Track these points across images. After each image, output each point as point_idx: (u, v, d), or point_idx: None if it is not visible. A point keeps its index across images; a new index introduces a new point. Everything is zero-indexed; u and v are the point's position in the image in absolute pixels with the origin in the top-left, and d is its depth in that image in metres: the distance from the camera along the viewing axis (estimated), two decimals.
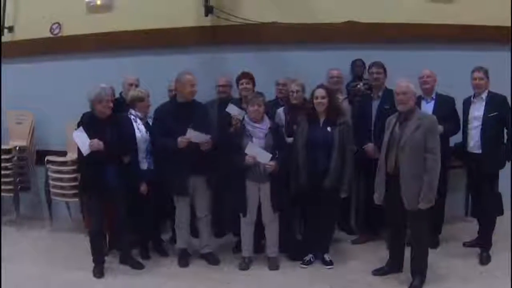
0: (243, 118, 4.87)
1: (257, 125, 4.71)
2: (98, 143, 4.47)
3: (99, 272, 4.77)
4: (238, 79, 5.40)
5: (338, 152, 4.68)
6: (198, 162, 4.70)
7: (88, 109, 4.63)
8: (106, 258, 4.94)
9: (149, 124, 4.97)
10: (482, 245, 5.04)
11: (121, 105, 5.09)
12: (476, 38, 5.80)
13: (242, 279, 4.77)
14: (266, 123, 4.76)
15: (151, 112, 5.07)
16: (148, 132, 4.90)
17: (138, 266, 4.94)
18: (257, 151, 4.60)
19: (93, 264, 4.81)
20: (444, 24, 5.85)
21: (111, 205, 4.77)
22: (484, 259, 4.92)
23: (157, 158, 4.94)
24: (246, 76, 5.34)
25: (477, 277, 4.66)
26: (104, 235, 5.02)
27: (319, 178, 4.68)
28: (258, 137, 4.70)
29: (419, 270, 4.43)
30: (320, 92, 4.74)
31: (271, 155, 4.60)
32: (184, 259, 5.04)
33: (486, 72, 4.88)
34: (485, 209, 4.99)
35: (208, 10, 5.65)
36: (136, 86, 5.29)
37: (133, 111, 4.94)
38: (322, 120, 4.76)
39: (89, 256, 4.83)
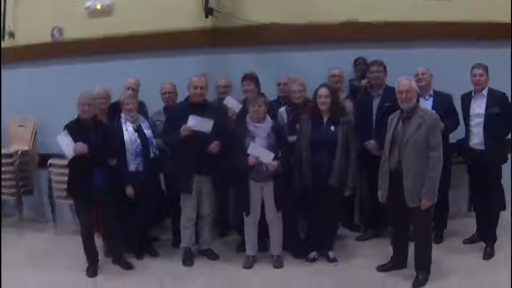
0: (244, 115, 5.02)
1: (258, 125, 4.84)
2: (82, 146, 4.61)
3: (91, 271, 4.94)
4: (242, 80, 5.56)
5: (341, 151, 4.82)
6: (203, 161, 4.88)
7: None
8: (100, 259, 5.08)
9: (140, 126, 5.07)
10: (486, 240, 5.17)
11: (117, 108, 5.23)
12: (476, 35, 5.94)
13: (246, 277, 4.90)
14: (268, 123, 4.88)
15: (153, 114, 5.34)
16: (137, 134, 5.01)
17: (129, 266, 5.09)
18: (259, 151, 4.74)
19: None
20: (443, 22, 5.96)
21: (100, 207, 4.94)
22: (488, 254, 5.06)
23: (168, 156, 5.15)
24: (249, 77, 5.50)
25: (481, 271, 4.77)
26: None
27: (323, 177, 4.81)
28: (260, 136, 4.83)
29: (423, 266, 4.54)
30: (324, 91, 4.87)
31: (273, 155, 4.73)
32: (189, 258, 5.18)
33: (486, 69, 5.00)
34: (489, 205, 5.12)
35: (208, 12, 5.75)
36: (133, 89, 5.42)
37: (122, 114, 5.09)
38: (325, 119, 4.89)
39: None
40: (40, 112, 6.26)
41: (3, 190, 6.20)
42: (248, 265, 5.07)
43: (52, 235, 6.11)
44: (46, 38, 6.28)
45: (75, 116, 4.83)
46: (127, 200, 5.00)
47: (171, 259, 5.30)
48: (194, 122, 4.81)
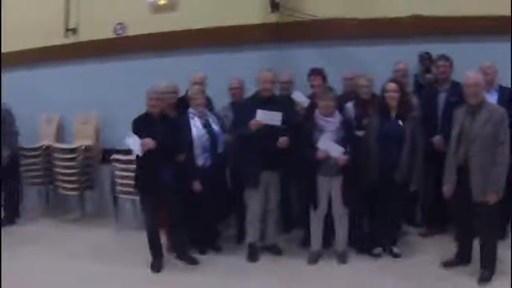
0: (313, 110, 5.04)
1: (328, 119, 4.86)
2: (149, 142, 4.64)
3: (156, 266, 4.99)
4: (308, 76, 5.58)
5: (409, 146, 4.82)
6: (271, 156, 4.91)
7: None
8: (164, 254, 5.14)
9: (208, 121, 5.12)
10: None
11: (185, 103, 5.28)
12: None
13: (311, 273, 4.92)
14: (337, 117, 4.90)
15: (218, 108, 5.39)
16: (205, 129, 5.06)
17: (193, 262, 5.13)
18: (329, 145, 4.75)
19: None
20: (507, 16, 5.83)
21: (166, 203, 4.95)
22: None
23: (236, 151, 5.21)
24: (316, 72, 5.51)
25: None
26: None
27: (390, 172, 4.82)
28: (330, 131, 4.83)
29: (488, 263, 4.50)
30: (392, 86, 4.87)
31: (343, 149, 4.75)
32: (254, 254, 5.20)
33: None
34: None
35: (274, 6, 5.79)
36: (200, 84, 5.43)
37: (190, 109, 5.14)
38: (393, 114, 4.89)
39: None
40: (105, 107, 6.38)
41: (65, 185, 6.31)
42: (313, 260, 5.09)
43: (114, 231, 6.20)
44: (109, 34, 6.39)
45: (141, 112, 4.90)
46: (194, 195, 5.03)
47: (235, 255, 5.32)
48: (263, 116, 4.85)
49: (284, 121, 4.91)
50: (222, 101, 5.61)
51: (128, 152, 5.88)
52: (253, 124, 4.86)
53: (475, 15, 5.84)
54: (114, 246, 5.69)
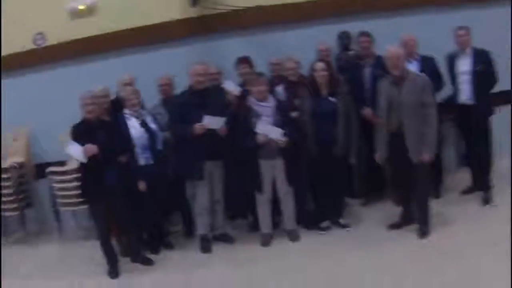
0: (245, 96, 5.20)
1: (263, 103, 5.00)
2: (91, 148, 4.60)
3: (113, 272, 4.97)
4: (236, 65, 5.69)
5: (343, 121, 5.06)
6: (214, 147, 5.00)
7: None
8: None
9: (144, 120, 5.12)
10: (483, 187, 5.55)
11: (117, 105, 5.27)
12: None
13: (267, 255, 5.05)
14: (272, 101, 5.06)
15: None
16: (143, 128, 5.06)
17: (149, 262, 5.15)
18: (268, 129, 4.90)
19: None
20: None
21: (114, 207, 4.89)
22: (486, 200, 5.47)
23: (175, 145, 5.23)
24: (244, 61, 5.63)
25: (481, 217, 5.19)
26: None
27: (329, 147, 5.04)
28: (266, 115, 4.98)
29: (425, 219, 4.94)
30: (320, 65, 5.09)
31: (282, 131, 4.90)
32: (207, 245, 5.27)
33: (468, 30, 5.36)
34: (481, 154, 5.51)
35: (194, 1, 5.82)
36: (131, 85, 5.41)
37: (126, 110, 5.12)
38: (324, 92, 5.10)
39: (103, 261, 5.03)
40: (33, 121, 6.17)
41: (3, 206, 6.08)
42: (266, 242, 5.23)
43: (60, 245, 6.03)
44: (29, 45, 6.17)
45: (71, 120, 4.83)
46: (140, 195, 5.03)
47: (188, 249, 5.38)
48: (209, 121, 4.91)
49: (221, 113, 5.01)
50: (152, 100, 5.59)
51: (63, 163, 5.83)
52: (197, 128, 4.91)
53: None
54: (64, 260, 5.55)
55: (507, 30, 6.16)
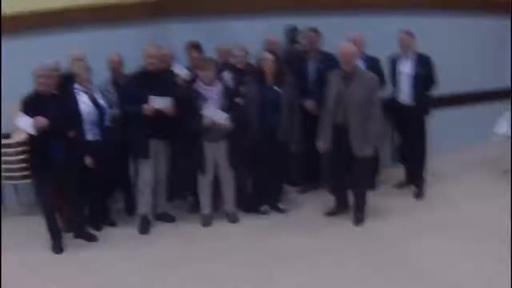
0: (193, 80, 5.36)
1: (210, 88, 5.16)
2: (41, 120, 4.59)
3: (58, 247, 4.95)
4: (186, 49, 5.81)
5: (287, 110, 5.30)
6: (161, 127, 5.10)
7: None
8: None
9: (94, 96, 5.13)
10: (416, 182, 5.97)
11: (68, 80, 5.22)
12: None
13: (207, 234, 5.23)
14: (218, 86, 5.22)
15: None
16: (93, 104, 5.08)
17: (93, 238, 5.18)
18: (214, 112, 5.07)
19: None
20: None
21: (60, 181, 4.90)
22: (418, 194, 5.91)
23: (123, 123, 5.28)
24: (194, 46, 5.75)
25: (413, 209, 5.63)
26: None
27: (271, 134, 5.28)
28: (213, 99, 5.13)
29: (362, 208, 5.30)
30: (268, 55, 5.32)
31: (227, 115, 5.08)
32: (146, 226, 5.34)
33: (411, 35, 5.73)
34: (416, 151, 5.92)
35: None
36: (81, 61, 5.35)
37: (77, 85, 5.11)
38: (270, 81, 5.32)
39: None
40: None
41: None
42: (207, 222, 5.40)
43: (2, 219, 5.78)
44: None
45: (18, 94, 4.81)
46: (87, 170, 5.03)
47: (131, 226, 5.39)
48: (156, 102, 5.00)
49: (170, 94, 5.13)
50: (101, 77, 5.56)
51: (8, 136, 5.76)
52: (146, 109, 4.99)
53: None
54: (6, 235, 5.33)
55: (447, 38, 6.73)
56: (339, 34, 5.70)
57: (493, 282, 4.10)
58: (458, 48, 7.18)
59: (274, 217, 5.54)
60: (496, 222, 5.04)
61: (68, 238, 5.15)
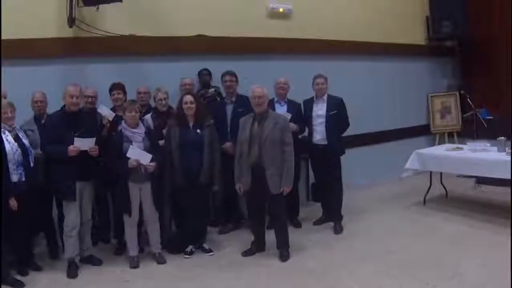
0: (117, 122, 5.49)
1: (134, 130, 5.29)
2: None
3: None
4: (110, 90, 5.88)
5: (208, 151, 5.50)
6: (84, 167, 5.11)
7: None
8: None
9: (18, 136, 5.04)
10: (335, 219, 6.31)
11: None
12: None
13: (136, 276, 5.19)
14: (142, 128, 5.37)
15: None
16: (17, 143, 4.96)
17: (19, 285, 4.94)
18: (138, 153, 5.19)
19: None
20: (283, 38, 7.30)
21: None
22: (338, 230, 6.23)
23: (47, 164, 5.20)
24: (118, 86, 5.87)
25: (335, 242, 5.92)
26: None
27: (194, 176, 5.43)
28: (137, 141, 5.26)
29: (285, 244, 5.50)
30: (189, 98, 5.53)
31: (151, 156, 5.21)
32: (74, 270, 5.22)
33: (325, 79, 6.18)
34: (333, 190, 6.28)
35: (71, 21, 5.84)
36: (5, 98, 5.24)
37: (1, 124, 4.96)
38: (191, 123, 5.53)
39: None
40: None
41: None
42: (134, 264, 5.39)
43: None
44: None
45: None
46: (10, 214, 4.82)
47: (56, 270, 5.29)
48: (79, 143, 5.03)
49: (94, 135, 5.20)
50: (23, 115, 5.48)
51: None
52: (71, 150, 4.99)
53: (253, 36, 7.07)
54: None
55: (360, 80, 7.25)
56: (258, 76, 6.08)
57: None
58: (371, 90, 7.83)
59: (200, 257, 5.64)
60: (413, 250, 5.51)
61: None
